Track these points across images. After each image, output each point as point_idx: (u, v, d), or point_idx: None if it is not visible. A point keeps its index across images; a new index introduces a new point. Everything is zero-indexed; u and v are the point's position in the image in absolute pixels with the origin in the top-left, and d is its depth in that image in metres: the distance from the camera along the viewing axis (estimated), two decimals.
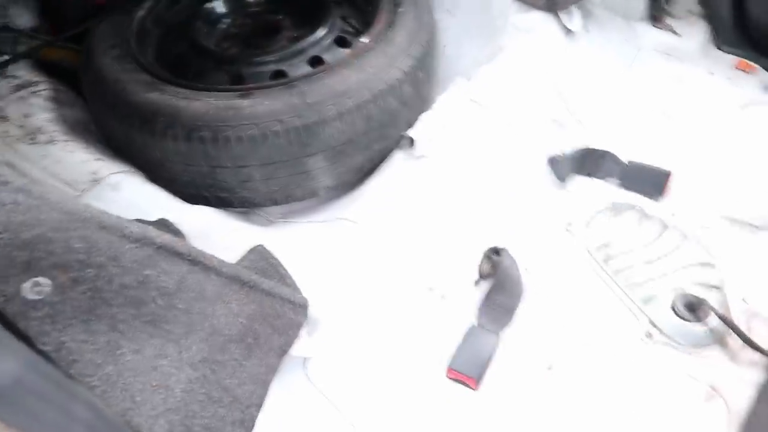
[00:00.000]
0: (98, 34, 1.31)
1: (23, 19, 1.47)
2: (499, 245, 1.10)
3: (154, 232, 0.76)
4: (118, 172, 1.11)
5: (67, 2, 1.50)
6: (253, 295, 0.84)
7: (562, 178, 1.28)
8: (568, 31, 1.52)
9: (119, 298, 0.72)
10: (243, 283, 0.83)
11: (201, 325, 0.78)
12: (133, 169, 1.14)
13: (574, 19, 1.53)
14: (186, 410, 0.75)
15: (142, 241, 0.74)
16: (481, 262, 1.08)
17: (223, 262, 0.83)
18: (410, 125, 1.22)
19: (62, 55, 1.49)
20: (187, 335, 0.77)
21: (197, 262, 0.79)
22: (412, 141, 1.17)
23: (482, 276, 1.08)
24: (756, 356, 0.99)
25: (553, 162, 1.28)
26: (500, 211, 1.19)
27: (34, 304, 0.66)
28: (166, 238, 0.77)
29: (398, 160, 1.17)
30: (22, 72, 1.37)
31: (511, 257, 1.08)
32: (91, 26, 1.35)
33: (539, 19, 1.50)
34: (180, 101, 1.12)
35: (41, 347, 0.67)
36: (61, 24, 1.49)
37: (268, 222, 1.18)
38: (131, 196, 1.07)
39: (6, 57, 1.39)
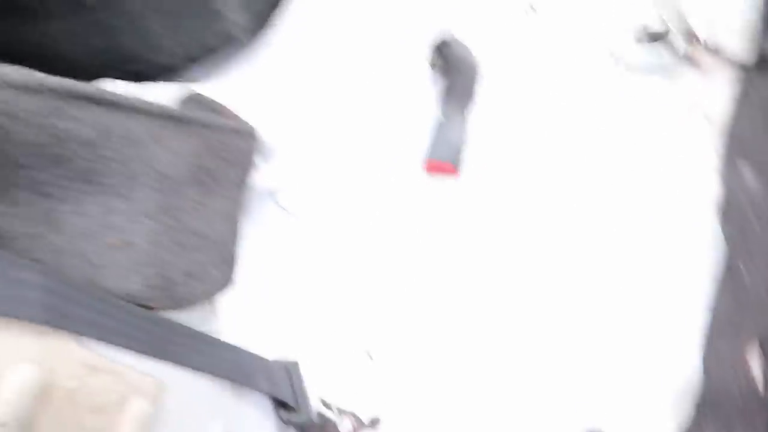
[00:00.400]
0: None
1: None
2: (446, 35, 1.01)
3: (53, 80, 0.64)
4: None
5: None
6: (192, 130, 0.74)
7: None
8: None
9: (32, 158, 0.62)
10: (177, 120, 0.73)
11: (143, 171, 0.69)
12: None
13: None
14: (159, 262, 0.68)
15: (40, 90, 0.63)
16: (431, 55, 1.00)
17: (147, 102, 0.72)
18: None
19: None
20: (132, 185, 0.68)
21: (116, 104, 0.68)
22: None
23: (434, 66, 1.00)
24: (728, 71, 0.97)
25: None
26: None
27: None
28: (69, 83, 0.65)
29: None
30: None
31: (461, 43, 1.00)
32: None
33: None
34: None
35: None
36: None
37: (195, 80, 1.06)
38: None
39: None
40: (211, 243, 0.73)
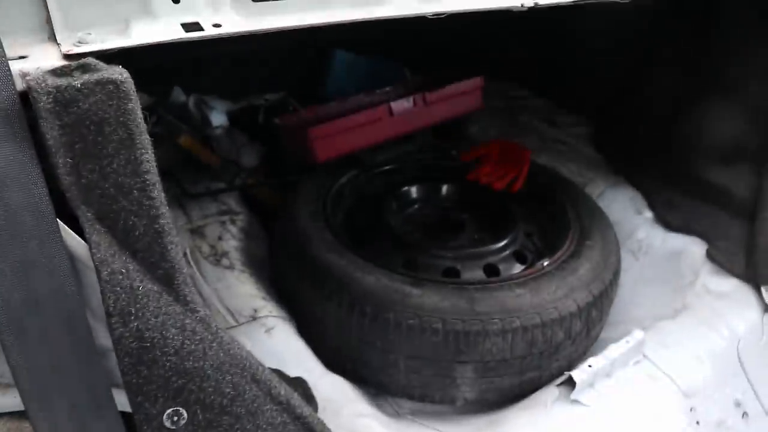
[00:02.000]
0: (301, 188, 1.44)
1: (249, 159, 1.70)
2: None
3: (297, 402, 0.73)
4: (275, 317, 1.14)
5: (286, 156, 1.70)
6: None
7: None
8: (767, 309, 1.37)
9: None
10: None
11: None
12: (288, 317, 1.17)
13: None
14: None
15: (284, 407, 0.72)
16: None
17: None
18: (570, 362, 1.13)
19: (266, 195, 1.67)
20: None
21: None
22: (572, 381, 1.07)
23: None
24: None
25: None
26: None
27: None
28: (306, 411, 0.74)
29: (551, 396, 1.06)
30: (231, 201, 1.55)
31: None
32: (299, 180, 1.48)
33: (735, 286, 1.37)
34: (353, 270, 1.14)
35: None
36: (277, 170, 1.70)
37: (396, 414, 1.11)
38: (279, 345, 1.09)
39: (223, 185, 1.60)
40: None
